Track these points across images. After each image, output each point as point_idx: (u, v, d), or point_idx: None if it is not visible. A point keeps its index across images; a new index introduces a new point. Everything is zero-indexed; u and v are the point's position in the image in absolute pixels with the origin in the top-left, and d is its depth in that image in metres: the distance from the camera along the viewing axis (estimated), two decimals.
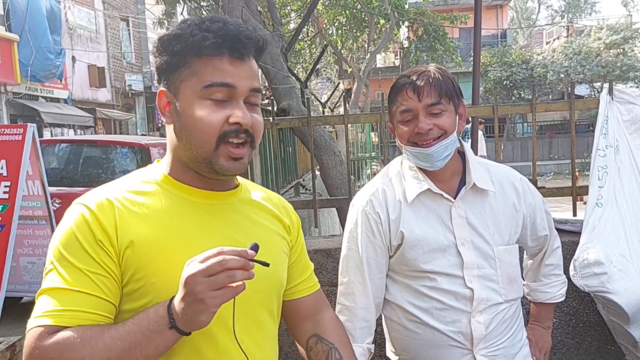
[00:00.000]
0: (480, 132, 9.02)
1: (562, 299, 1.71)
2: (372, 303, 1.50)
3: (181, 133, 1.04)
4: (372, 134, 16.94)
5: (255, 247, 0.90)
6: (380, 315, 1.57)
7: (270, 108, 2.66)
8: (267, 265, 0.91)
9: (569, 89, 2.59)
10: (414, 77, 1.42)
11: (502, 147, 19.36)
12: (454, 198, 1.47)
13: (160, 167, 1.10)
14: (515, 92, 21.61)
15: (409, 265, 1.47)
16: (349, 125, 2.56)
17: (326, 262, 2.32)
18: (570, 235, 2.28)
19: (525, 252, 1.72)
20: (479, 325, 1.42)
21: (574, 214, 2.58)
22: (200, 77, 1.01)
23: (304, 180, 7.20)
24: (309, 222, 4.74)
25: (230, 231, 1.06)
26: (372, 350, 1.52)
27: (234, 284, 0.88)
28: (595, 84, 21.31)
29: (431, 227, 1.46)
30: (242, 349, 0.99)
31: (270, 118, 2.51)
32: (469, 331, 1.43)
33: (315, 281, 1.30)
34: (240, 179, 1.18)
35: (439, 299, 1.44)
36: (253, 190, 1.20)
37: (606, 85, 2.34)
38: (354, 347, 1.46)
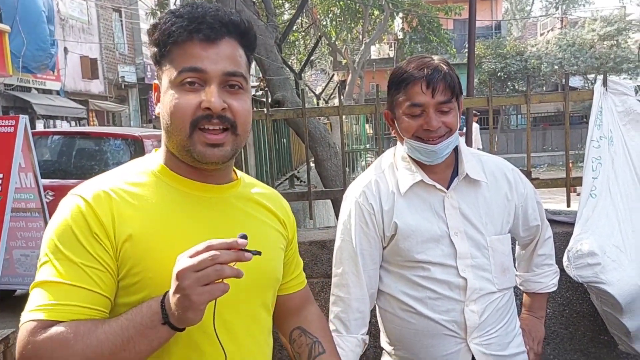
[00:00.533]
0: (475, 125, 9.02)
1: (555, 288, 1.72)
2: (366, 294, 1.50)
3: (162, 122, 1.03)
4: (367, 125, 16.94)
5: (243, 237, 0.88)
6: (375, 306, 1.58)
7: (264, 99, 2.64)
8: (259, 254, 0.90)
9: (563, 80, 2.59)
10: (428, 72, 1.39)
11: (497, 139, 19.41)
12: (447, 189, 1.47)
13: (157, 157, 1.09)
14: (509, 83, 21.64)
15: (402, 255, 1.47)
16: (344, 117, 2.56)
17: (321, 253, 2.32)
18: (564, 226, 2.29)
19: (517, 242, 1.73)
20: (473, 314, 1.43)
21: (568, 205, 2.59)
22: (175, 64, 1.00)
23: (298, 172, 7.18)
24: (303, 214, 4.74)
25: (227, 225, 1.05)
26: (367, 341, 1.52)
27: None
28: (588, 76, 21.36)
29: (424, 218, 1.46)
30: (220, 344, 0.97)
31: (265, 109, 2.50)
32: (462, 320, 1.43)
33: (304, 277, 1.31)
34: (240, 173, 1.17)
35: (433, 289, 1.44)
36: (251, 185, 1.19)
37: (600, 76, 2.34)
38: (349, 337, 1.48)
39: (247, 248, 0.88)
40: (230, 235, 0.89)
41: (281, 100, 3.87)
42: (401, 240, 1.47)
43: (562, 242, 2.16)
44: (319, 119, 5.37)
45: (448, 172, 1.50)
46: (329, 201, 5.34)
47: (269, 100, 2.64)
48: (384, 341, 1.61)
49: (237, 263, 0.87)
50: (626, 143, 2.22)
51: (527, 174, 2.38)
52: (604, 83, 2.29)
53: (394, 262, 1.51)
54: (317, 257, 2.33)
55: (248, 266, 0.89)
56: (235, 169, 1.16)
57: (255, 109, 2.75)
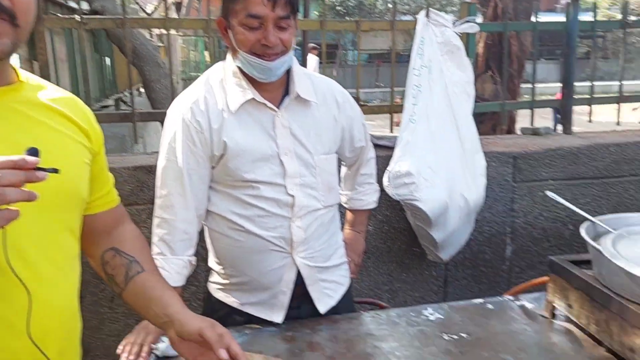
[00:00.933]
0: (315, 57, 9.12)
1: (375, 205, 1.84)
2: (193, 215, 1.45)
3: None
4: (206, 53, 16.22)
5: (34, 152, 0.74)
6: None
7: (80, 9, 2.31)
8: (56, 171, 0.76)
9: (396, 17, 2.68)
10: None
11: (335, 73, 20.07)
12: (278, 108, 1.45)
13: None
14: (347, 18, 22.24)
15: (232, 175, 1.44)
16: (181, 42, 2.36)
17: (148, 179, 2.18)
18: (386, 150, 2.43)
19: (342, 162, 1.79)
20: (299, 230, 1.47)
21: (391, 131, 2.76)
22: None
23: (125, 95, 6.62)
24: (130, 140, 4.42)
25: (10, 137, 0.87)
26: (194, 263, 1.48)
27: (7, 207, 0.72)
28: (417, 16, 22.78)
29: (255, 137, 1.43)
30: (17, 276, 0.83)
31: (77, 17, 2.18)
32: (289, 236, 1.46)
33: (116, 194, 1.18)
34: (23, 73, 0.97)
35: (262, 207, 1.44)
36: (40, 88, 0.99)
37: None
38: (174, 259, 1.42)
39: (40, 165, 0.73)
40: (15, 150, 0.74)
41: (100, 11, 3.43)
42: (230, 160, 1.42)
43: (384, 164, 2.30)
44: (150, 40, 4.96)
45: (280, 91, 1.47)
46: (159, 125, 5.05)
47: (83, 10, 2.32)
48: (212, 261, 1.59)
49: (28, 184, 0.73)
50: (443, 72, 2.39)
51: (356, 99, 2.46)
52: (427, 14, 2.41)
53: (223, 182, 1.47)
54: (144, 182, 2.19)
55: (45, 186, 0.75)
56: (16, 68, 0.96)
57: (67, 17, 2.40)
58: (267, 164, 1.44)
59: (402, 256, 2.57)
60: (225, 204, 1.47)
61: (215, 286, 1.59)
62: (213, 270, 1.59)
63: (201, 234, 1.56)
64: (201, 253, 1.66)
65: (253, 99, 1.42)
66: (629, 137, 2.78)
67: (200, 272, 2.26)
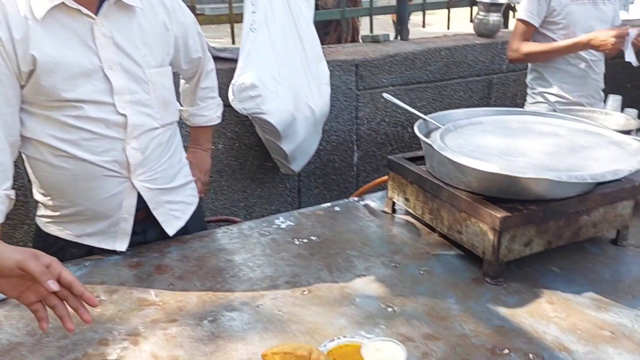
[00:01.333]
0: None
1: (219, 121, 1.76)
2: (3, 142, 1.26)
3: None
4: None
5: None
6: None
7: None
8: None
9: None
10: None
11: None
12: (96, 14, 1.27)
13: None
14: None
15: (47, 94, 1.26)
16: None
17: None
18: (229, 63, 2.33)
19: (180, 76, 1.67)
20: (135, 152, 1.36)
21: (233, 42, 2.64)
22: None
23: None
24: None
25: None
26: (13, 197, 1.31)
27: None
28: None
29: (70, 49, 1.26)
30: None
31: None
32: (124, 159, 1.35)
33: None
34: None
35: (88, 129, 1.30)
36: None
37: None
38: None
39: None
40: None
41: None
42: (43, 77, 1.24)
43: (228, 78, 2.21)
44: None
45: None
46: None
47: None
48: (37, 193, 1.42)
49: None
50: None
51: (192, 8, 2.29)
52: None
53: (38, 103, 1.28)
54: None
55: None
56: None
57: None
58: (90, 80, 1.28)
59: (256, 172, 2.56)
60: (43, 128, 1.30)
61: (45, 220, 1.43)
62: (40, 203, 1.43)
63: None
64: (29, 187, 1.48)
65: (63, 3, 1.23)
66: (457, 41, 2.98)
67: (31, 208, 2.05)
